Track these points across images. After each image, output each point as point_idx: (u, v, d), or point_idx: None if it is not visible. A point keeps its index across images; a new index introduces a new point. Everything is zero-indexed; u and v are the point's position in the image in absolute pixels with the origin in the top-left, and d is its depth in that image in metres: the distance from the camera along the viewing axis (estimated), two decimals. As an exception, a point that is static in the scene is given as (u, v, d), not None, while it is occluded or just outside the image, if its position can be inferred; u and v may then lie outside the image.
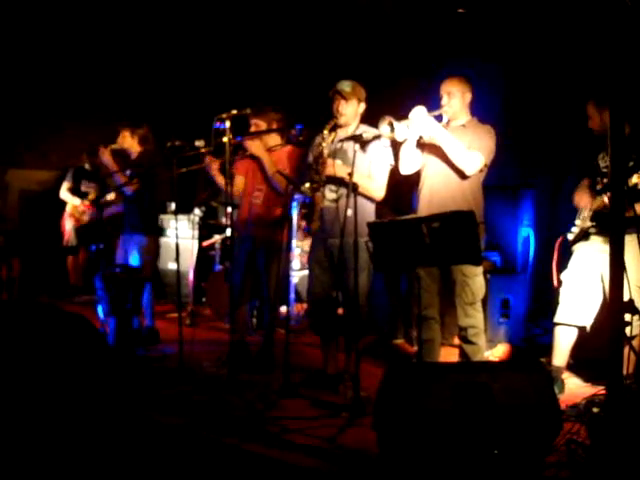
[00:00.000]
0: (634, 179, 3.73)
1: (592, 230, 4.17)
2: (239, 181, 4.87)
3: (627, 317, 2.66)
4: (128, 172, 5.45)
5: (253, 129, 4.72)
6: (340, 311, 4.50)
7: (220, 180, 4.83)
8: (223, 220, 6.83)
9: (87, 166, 7.59)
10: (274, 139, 4.80)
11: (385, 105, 4.27)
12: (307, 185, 4.14)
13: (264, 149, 4.68)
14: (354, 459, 3.16)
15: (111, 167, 5.46)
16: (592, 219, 4.15)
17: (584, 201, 4.23)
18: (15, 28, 7.25)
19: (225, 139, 4.24)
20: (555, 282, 4.33)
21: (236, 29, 7.44)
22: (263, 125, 4.70)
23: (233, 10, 7.13)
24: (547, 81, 5.84)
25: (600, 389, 3.60)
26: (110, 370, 3.41)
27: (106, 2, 7.19)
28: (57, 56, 7.62)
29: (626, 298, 2.64)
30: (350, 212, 3.88)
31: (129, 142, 5.54)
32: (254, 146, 4.66)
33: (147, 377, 4.45)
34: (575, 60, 5.45)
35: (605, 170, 4.06)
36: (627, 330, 2.71)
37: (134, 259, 5.40)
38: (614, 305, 2.59)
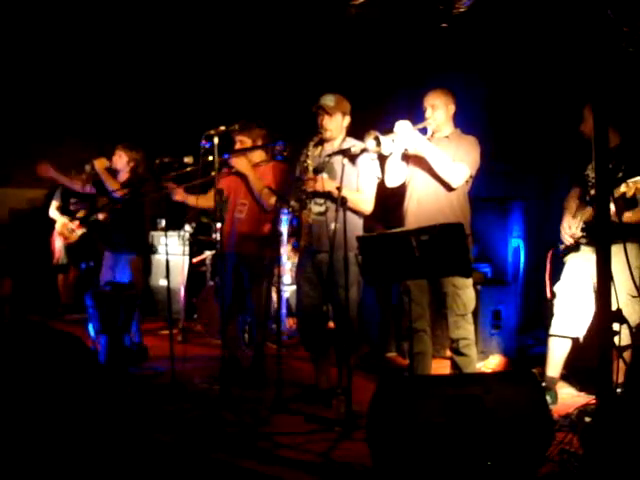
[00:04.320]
0: (622, 188, 3.76)
1: (582, 241, 4.18)
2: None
3: (616, 326, 2.66)
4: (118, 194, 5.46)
5: (238, 146, 4.72)
6: (331, 324, 4.50)
7: (191, 200, 4.86)
8: (214, 236, 6.82)
9: None
10: (258, 155, 4.79)
11: (371, 118, 4.29)
12: (294, 203, 4.15)
13: (250, 166, 4.68)
14: (348, 474, 3.15)
15: (104, 177, 5.46)
16: (582, 230, 4.17)
17: (572, 213, 4.25)
18: (6, 49, 7.25)
19: (211, 157, 4.21)
20: (548, 294, 4.34)
21: (224, 42, 7.47)
22: (248, 141, 4.69)
23: (222, 24, 7.16)
24: (534, 93, 5.87)
25: (592, 399, 3.61)
26: (102, 388, 3.40)
27: (96, 21, 7.20)
28: (48, 75, 7.62)
29: (615, 308, 2.66)
30: (334, 226, 3.89)
31: (122, 163, 5.54)
32: (240, 163, 4.64)
33: (139, 395, 4.43)
34: (561, 71, 5.49)
35: (594, 181, 4.08)
36: (616, 339, 2.72)
37: (124, 276, 5.38)
38: (602, 315, 2.60)
